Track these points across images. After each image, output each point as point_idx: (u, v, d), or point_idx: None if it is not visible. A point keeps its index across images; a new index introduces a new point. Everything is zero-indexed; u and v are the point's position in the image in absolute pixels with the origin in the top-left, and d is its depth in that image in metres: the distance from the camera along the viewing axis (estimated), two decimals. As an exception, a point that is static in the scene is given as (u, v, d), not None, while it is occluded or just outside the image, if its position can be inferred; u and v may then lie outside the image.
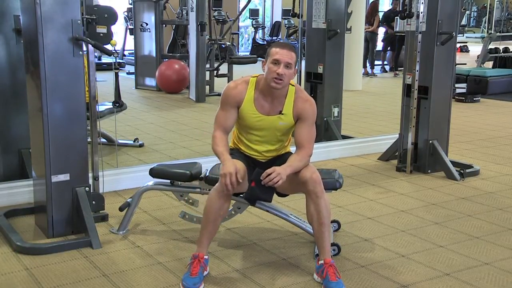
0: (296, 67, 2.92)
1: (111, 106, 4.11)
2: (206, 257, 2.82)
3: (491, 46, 10.69)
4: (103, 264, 3.00)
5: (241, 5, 15.09)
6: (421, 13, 4.62)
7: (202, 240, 2.83)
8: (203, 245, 2.83)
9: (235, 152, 3.02)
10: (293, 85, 2.94)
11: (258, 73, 2.98)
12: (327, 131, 5.63)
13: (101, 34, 3.33)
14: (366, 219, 3.73)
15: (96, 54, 3.75)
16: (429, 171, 4.80)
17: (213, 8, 9.67)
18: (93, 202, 3.49)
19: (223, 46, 10.13)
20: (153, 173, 3.29)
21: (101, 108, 4.67)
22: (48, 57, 3.10)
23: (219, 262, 3.04)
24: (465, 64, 10.05)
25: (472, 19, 24.48)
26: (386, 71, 12.87)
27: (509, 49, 10.97)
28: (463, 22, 19.15)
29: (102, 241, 3.23)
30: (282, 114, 2.91)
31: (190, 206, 3.47)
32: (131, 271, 2.93)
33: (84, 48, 3.30)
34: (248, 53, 15.90)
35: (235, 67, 9.09)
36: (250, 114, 2.92)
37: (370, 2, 13.08)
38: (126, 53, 13.09)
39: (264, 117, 2.92)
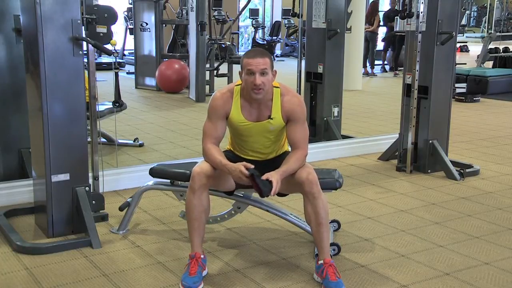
0: (275, 69, 2.86)
1: (111, 106, 4.11)
2: (203, 256, 2.82)
3: (491, 46, 10.69)
4: (103, 264, 3.00)
5: (241, 5, 15.10)
6: (421, 13, 4.62)
7: (193, 239, 2.83)
8: (195, 244, 2.83)
9: (231, 155, 3.01)
10: (277, 87, 2.91)
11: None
12: (327, 131, 5.63)
13: (101, 34, 3.33)
14: (366, 218, 3.73)
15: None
16: (429, 171, 4.80)
17: (213, 8, 9.68)
18: (93, 202, 3.49)
19: (223, 45, 10.14)
20: (153, 172, 3.29)
21: (101, 107, 4.67)
22: (48, 56, 3.10)
23: (218, 261, 3.04)
24: (465, 64, 10.05)
25: (472, 19, 24.48)
26: (386, 71, 12.87)
27: (509, 49, 10.97)
28: (463, 22, 19.14)
29: (102, 241, 3.23)
30: (271, 118, 2.89)
31: (190, 206, 3.47)
32: (131, 270, 2.93)
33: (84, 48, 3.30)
34: (248, 53, 15.88)
35: (235, 66, 9.09)
36: (239, 123, 2.90)
37: (370, 2, 13.09)
38: (126, 52, 13.09)
39: (253, 124, 2.90)
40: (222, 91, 2.95)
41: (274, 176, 2.71)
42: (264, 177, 2.71)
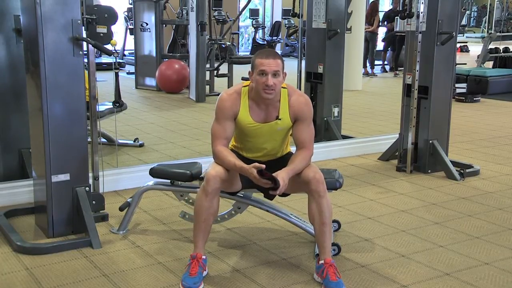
0: (285, 71, 2.86)
1: (111, 106, 4.11)
2: (204, 257, 2.82)
3: (491, 46, 10.69)
4: (103, 264, 3.00)
5: (241, 5, 15.10)
6: (421, 13, 4.62)
7: (197, 240, 2.83)
8: (199, 245, 2.83)
9: (236, 155, 3.01)
10: (285, 87, 2.91)
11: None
12: (327, 131, 5.63)
13: (101, 34, 3.33)
14: (366, 219, 3.73)
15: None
16: (429, 171, 4.80)
17: (213, 8, 9.68)
18: (93, 202, 3.49)
19: (223, 46, 10.13)
20: (153, 173, 3.29)
21: (101, 108, 4.67)
22: (48, 57, 3.09)
23: (219, 262, 3.04)
24: (465, 64, 10.05)
25: (472, 19, 24.49)
26: (386, 71, 12.87)
27: (509, 49, 10.96)
28: (463, 22, 19.15)
29: (102, 241, 3.23)
30: (279, 119, 2.89)
31: (190, 206, 3.47)
32: (131, 271, 2.93)
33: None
34: (248, 53, 15.91)
35: (235, 67, 9.10)
36: (247, 124, 2.90)
37: (370, 2, 13.08)
38: (126, 53, 13.10)
39: (261, 125, 2.91)
40: (229, 92, 2.93)
41: (281, 175, 2.72)
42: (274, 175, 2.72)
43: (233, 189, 3.02)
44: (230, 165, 2.79)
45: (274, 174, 2.72)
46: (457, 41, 4.98)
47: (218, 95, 2.99)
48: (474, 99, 8.93)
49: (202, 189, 2.80)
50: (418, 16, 4.63)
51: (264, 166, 2.71)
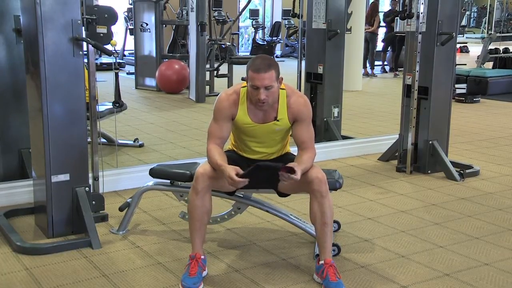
0: (280, 76, 2.83)
1: (111, 106, 4.11)
2: (203, 257, 2.82)
3: (491, 46, 10.70)
4: (103, 264, 3.00)
5: (241, 5, 15.11)
6: (421, 13, 4.62)
7: (194, 240, 2.83)
8: (196, 245, 2.83)
9: (234, 155, 3.01)
10: (283, 88, 2.90)
11: None
12: (327, 131, 5.63)
13: (101, 34, 3.33)
14: (366, 219, 3.73)
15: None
16: (429, 171, 4.80)
17: (213, 8, 9.69)
18: (93, 202, 3.49)
19: (223, 46, 10.14)
20: (153, 173, 3.29)
21: (101, 108, 4.67)
22: (48, 57, 3.09)
23: (218, 262, 3.04)
24: (465, 64, 10.06)
25: (472, 19, 24.50)
26: (386, 72, 12.88)
27: (509, 50, 10.97)
28: (463, 22, 19.17)
29: (102, 241, 3.23)
30: (278, 120, 2.89)
31: (190, 206, 3.48)
32: (131, 271, 2.93)
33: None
34: (248, 53, 15.92)
35: (235, 67, 9.10)
36: (245, 125, 2.90)
37: (370, 2, 13.09)
38: (126, 53, 13.10)
39: (259, 126, 2.91)
40: (228, 92, 2.93)
41: (298, 172, 2.66)
42: (291, 165, 2.66)
43: (227, 188, 3.00)
44: (213, 164, 2.80)
45: (291, 165, 2.67)
46: (457, 41, 4.98)
47: (218, 95, 2.98)
48: (474, 99, 8.93)
49: (192, 188, 2.81)
50: (418, 17, 4.63)
51: (241, 171, 2.66)
